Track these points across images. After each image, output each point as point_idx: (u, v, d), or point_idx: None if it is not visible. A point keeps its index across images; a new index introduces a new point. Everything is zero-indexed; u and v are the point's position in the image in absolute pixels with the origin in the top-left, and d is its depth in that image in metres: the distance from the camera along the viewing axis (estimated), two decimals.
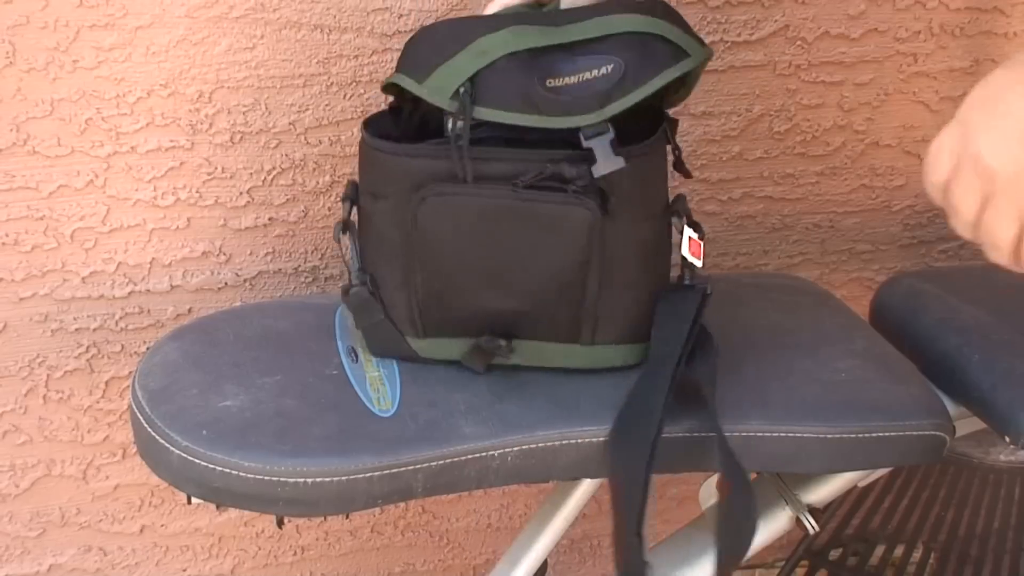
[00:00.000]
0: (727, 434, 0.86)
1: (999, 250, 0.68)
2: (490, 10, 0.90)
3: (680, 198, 0.92)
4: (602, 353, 0.90)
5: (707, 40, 1.18)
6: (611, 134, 0.82)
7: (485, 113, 0.82)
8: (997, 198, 0.66)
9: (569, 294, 0.86)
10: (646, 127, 0.87)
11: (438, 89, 0.82)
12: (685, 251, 0.89)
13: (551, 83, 0.82)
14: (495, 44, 0.82)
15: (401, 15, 1.09)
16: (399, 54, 0.87)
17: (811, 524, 0.99)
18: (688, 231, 0.89)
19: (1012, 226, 0.66)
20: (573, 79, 0.83)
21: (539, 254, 0.84)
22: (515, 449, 0.84)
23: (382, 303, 0.88)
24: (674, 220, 0.90)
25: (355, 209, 0.89)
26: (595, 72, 0.83)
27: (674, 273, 0.92)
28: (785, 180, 1.30)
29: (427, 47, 0.84)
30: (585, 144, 0.82)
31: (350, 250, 0.89)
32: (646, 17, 0.84)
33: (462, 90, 0.81)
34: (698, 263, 0.89)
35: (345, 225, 0.88)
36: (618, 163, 0.82)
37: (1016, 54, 0.67)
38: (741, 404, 0.89)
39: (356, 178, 0.90)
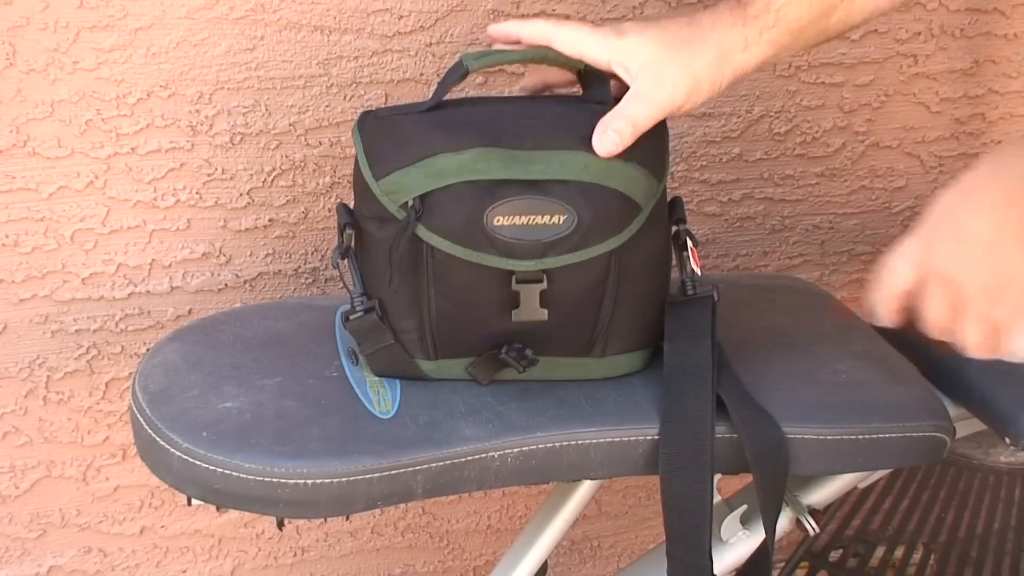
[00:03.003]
0: (728, 436, 0.86)
1: (973, 348, 0.74)
2: (535, 33, 0.86)
3: (678, 203, 0.92)
4: (611, 363, 0.90)
5: None
6: (543, 285, 0.83)
7: (427, 235, 0.82)
8: (965, 308, 0.71)
9: (586, 312, 0.86)
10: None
11: (390, 194, 0.83)
12: (693, 265, 0.90)
13: (499, 220, 0.81)
14: (453, 167, 0.81)
15: (401, 16, 1.09)
16: (353, 130, 0.87)
17: (811, 525, 0.99)
18: (689, 242, 0.90)
19: (981, 330, 0.72)
20: (522, 220, 0.82)
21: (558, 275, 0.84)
22: (515, 450, 0.84)
23: (391, 327, 0.87)
24: (677, 228, 0.90)
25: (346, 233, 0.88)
26: (545, 219, 0.82)
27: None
28: (785, 181, 1.30)
29: (388, 140, 0.84)
30: (514, 287, 0.83)
31: (351, 275, 0.87)
32: (620, 163, 0.82)
33: (410, 203, 0.82)
34: (698, 270, 0.90)
35: (344, 252, 0.87)
36: (540, 315, 0.84)
37: (970, 173, 0.71)
38: None
39: (344, 200, 0.89)
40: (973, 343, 0.73)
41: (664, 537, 0.87)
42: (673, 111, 0.83)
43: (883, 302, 0.76)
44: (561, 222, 0.82)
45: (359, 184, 0.86)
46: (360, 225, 0.87)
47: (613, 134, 0.81)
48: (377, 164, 0.83)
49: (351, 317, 0.87)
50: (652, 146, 0.85)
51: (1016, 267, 0.68)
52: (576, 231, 0.82)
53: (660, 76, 0.82)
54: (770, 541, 0.88)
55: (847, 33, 0.92)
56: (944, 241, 0.71)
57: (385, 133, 0.85)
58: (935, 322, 0.74)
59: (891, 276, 0.75)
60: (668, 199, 0.90)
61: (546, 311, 0.84)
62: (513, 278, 0.83)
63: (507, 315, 0.85)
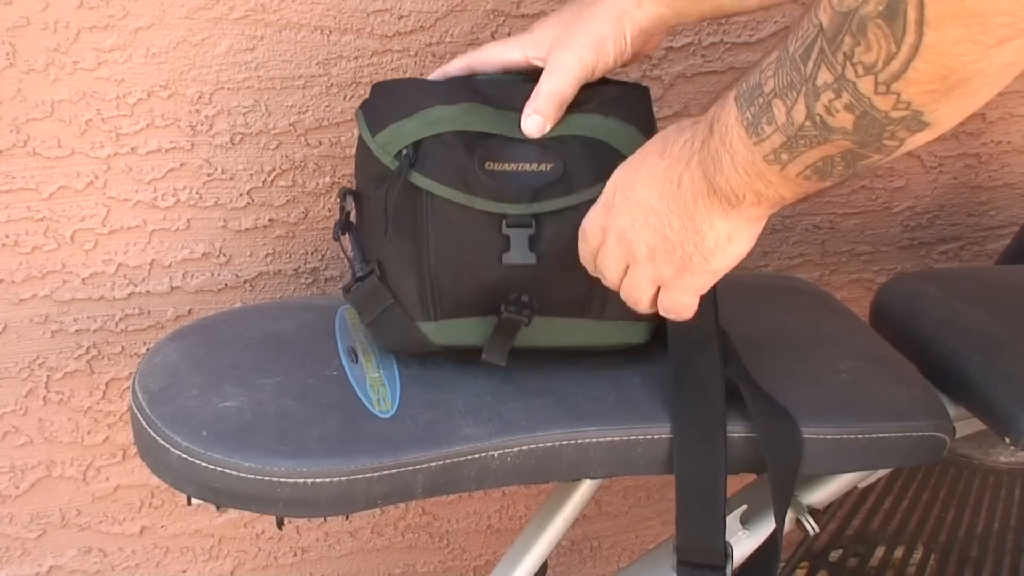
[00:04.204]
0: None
1: (640, 305, 0.82)
2: (459, 62, 0.91)
3: None
4: (609, 329, 0.90)
5: (707, 42, 1.18)
6: (531, 229, 0.85)
7: (420, 180, 0.84)
8: (637, 266, 0.79)
9: (579, 261, 0.86)
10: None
11: (384, 146, 0.85)
12: None
13: (489, 166, 0.85)
14: (446, 117, 0.85)
15: (401, 16, 1.10)
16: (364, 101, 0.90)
17: (811, 525, 0.99)
18: None
19: (650, 287, 0.80)
20: (512, 166, 0.85)
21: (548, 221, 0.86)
22: (515, 450, 0.84)
23: (391, 291, 0.88)
24: None
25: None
26: (534, 166, 0.85)
27: None
28: None
29: (387, 101, 0.88)
30: (504, 231, 0.85)
31: (352, 247, 0.89)
32: (602, 118, 0.86)
33: (404, 152, 0.84)
34: None
35: (345, 226, 0.88)
36: (529, 258, 0.85)
37: (648, 144, 0.78)
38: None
39: (347, 185, 0.91)
40: (640, 299, 0.81)
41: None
42: (587, 72, 0.86)
43: (583, 258, 0.83)
44: (549, 169, 0.85)
45: (360, 153, 0.89)
46: (359, 193, 0.88)
47: (536, 116, 0.85)
48: (374, 122, 0.86)
49: (352, 288, 0.88)
50: (636, 105, 0.89)
51: (678, 234, 0.74)
52: (564, 177, 0.85)
53: (566, 46, 0.86)
54: (779, 532, 0.88)
55: (748, 13, 1.01)
56: (620, 205, 0.77)
57: (385, 94, 0.89)
58: (611, 277, 0.81)
59: (585, 239, 0.81)
60: None
61: (535, 255, 0.85)
62: (503, 222, 0.85)
63: (500, 261, 0.86)
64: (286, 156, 1.12)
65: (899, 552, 1.33)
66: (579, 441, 0.85)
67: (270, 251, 1.16)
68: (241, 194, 1.13)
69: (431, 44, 1.11)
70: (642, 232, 0.76)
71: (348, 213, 0.89)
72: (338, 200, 0.91)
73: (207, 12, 1.04)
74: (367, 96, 0.90)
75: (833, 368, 0.95)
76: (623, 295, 0.82)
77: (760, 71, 0.65)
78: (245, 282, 1.17)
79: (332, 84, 1.11)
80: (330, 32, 1.08)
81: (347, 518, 1.31)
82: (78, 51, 1.03)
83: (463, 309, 0.88)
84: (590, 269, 0.83)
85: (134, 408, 0.86)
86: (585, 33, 0.86)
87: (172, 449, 0.82)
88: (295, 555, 1.35)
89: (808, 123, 0.63)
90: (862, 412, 0.90)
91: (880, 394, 0.93)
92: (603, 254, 0.81)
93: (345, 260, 0.89)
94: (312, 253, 1.18)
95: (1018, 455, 1.22)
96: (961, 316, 1.03)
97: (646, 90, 0.90)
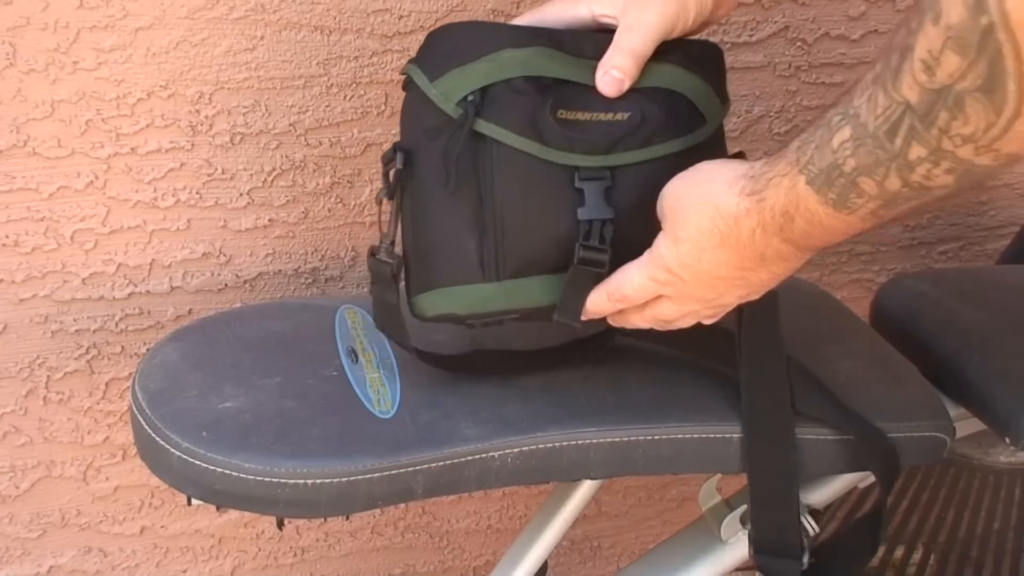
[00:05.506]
0: (728, 436, 0.86)
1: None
2: (522, 20, 0.84)
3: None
4: None
5: None
6: (607, 182, 0.79)
7: (486, 127, 0.78)
8: (721, 307, 0.79)
9: (653, 221, 0.79)
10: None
11: (446, 93, 0.79)
12: None
13: (562, 114, 0.79)
14: (516, 61, 0.78)
15: (401, 16, 1.09)
16: (418, 47, 0.84)
17: (811, 526, 0.98)
18: None
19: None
20: (585, 116, 0.79)
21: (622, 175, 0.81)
22: (515, 450, 0.84)
23: (444, 253, 0.81)
24: None
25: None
26: (609, 116, 0.79)
27: None
28: None
29: (448, 46, 0.81)
30: (577, 184, 0.79)
31: (390, 219, 0.82)
32: (682, 71, 0.81)
33: (470, 98, 0.78)
34: None
35: (394, 188, 0.81)
36: (606, 213, 0.79)
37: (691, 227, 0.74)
38: None
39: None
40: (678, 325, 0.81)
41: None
42: (668, 30, 0.81)
43: (608, 305, 0.80)
44: (625, 119, 0.79)
45: (410, 106, 0.82)
46: (409, 150, 0.81)
47: (614, 71, 0.79)
48: (433, 68, 0.79)
49: (376, 255, 0.82)
50: (715, 65, 0.84)
51: (771, 280, 0.76)
52: (641, 128, 0.79)
53: (643, 3, 0.80)
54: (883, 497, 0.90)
55: None
56: (693, 281, 0.76)
57: (444, 40, 0.81)
58: (671, 322, 0.80)
59: (637, 290, 0.78)
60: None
61: (612, 209, 0.79)
62: (576, 175, 0.79)
63: (572, 215, 0.79)
64: (286, 156, 1.12)
65: (899, 552, 1.33)
66: (579, 442, 0.85)
67: (270, 251, 1.16)
68: (241, 194, 1.13)
69: None
70: (731, 292, 0.77)
71: (399, 172, 0.80)
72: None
73: (207, 12, 1.04)
74: (422, 46, 0.82)
75: (833, 369, 0.95)
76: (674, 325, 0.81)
77: (831, 152, 0.64)
78: (245, 282, 1.17)
79: (332, 84, 1.11)
80: (330, 32, 1.08)
81: (347, 518, 1.31)
82: (78, 51, 1.03)
83: (532, 267, 0.80)
84: (606, 311, 0.81)
85: (134, 408, 0.86)
86: None
87: (172, 450, 0.82)
88: (295, 555, 1.35)
89: (905, 189, 0.63)
90: (862, 412, 0.90)
91: (880, 394, 0.93)
92: (664, 307, 0.79)
93: (379, 230, 0.83)
94: (312, 253, 1.18)
95: (1018, 455, 1.22)
96: (961, 316, 1.03)
97: (721, 51, 0.85)
